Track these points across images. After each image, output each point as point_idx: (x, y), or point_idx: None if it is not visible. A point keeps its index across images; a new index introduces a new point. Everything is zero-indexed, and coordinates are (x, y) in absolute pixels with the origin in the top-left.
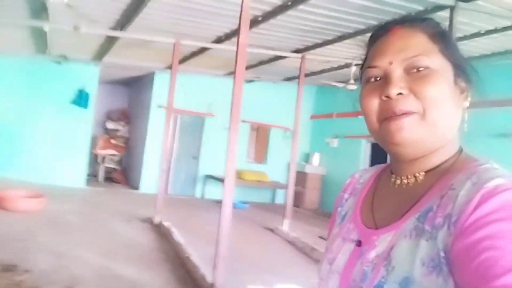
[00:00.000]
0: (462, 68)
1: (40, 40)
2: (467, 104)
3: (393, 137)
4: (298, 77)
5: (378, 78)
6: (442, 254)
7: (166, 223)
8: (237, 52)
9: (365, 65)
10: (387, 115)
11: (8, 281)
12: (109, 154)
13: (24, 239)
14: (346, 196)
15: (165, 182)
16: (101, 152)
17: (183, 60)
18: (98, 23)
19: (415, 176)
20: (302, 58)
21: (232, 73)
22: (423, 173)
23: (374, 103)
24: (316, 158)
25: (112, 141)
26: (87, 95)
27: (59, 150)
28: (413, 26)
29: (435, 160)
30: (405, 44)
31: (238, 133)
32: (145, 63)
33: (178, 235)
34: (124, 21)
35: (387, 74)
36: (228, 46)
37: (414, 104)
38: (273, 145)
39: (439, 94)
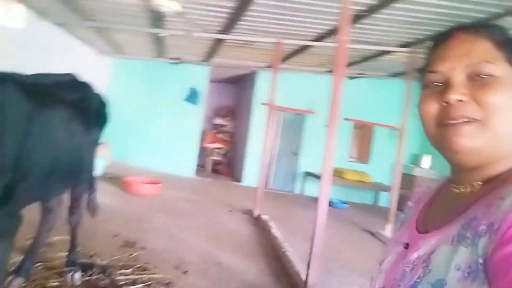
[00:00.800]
0: None
1: (159, 45)
2: None
3: (452, 144)
4: (405, 73)
5: (439, 84)
6: (480, 261)
7: (264, 217)
8: (337, 48)
9: (425, 70)
10: (446, 121)
11: (128, 255)
12: (216, 147)
13: (143, 220)
14: (410, 204)
15: (265, 177)
16: (209, 145)
17: (285, 59)
18: (207, 27)
19: (471, 185)
20: (411, 52)
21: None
22: (480, 183)
23: (432, 108)
24: (426, 161)
25: (219, 135)
26: (198, 93)
27: (174, 143)
28: (478, 32)
29: (493, 171)
30: (469, 49)
31: (336, 131)
32: (249, 62)
33: (275, 229)
34: (229, 25)
35: (448, 79)
36: (330, 43)
37: (475, 111)
38: (378, 145)
39: (502, 103)
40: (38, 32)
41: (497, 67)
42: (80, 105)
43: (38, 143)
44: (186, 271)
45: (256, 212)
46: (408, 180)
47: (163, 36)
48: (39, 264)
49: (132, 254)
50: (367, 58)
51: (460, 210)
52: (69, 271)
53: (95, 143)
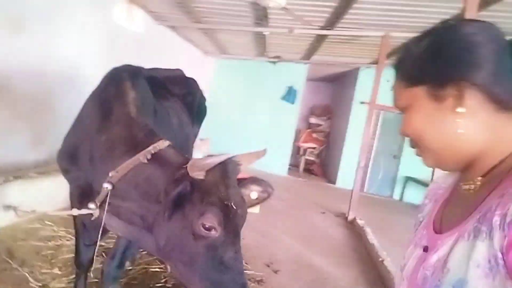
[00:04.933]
0: (434, 77)
1: (260, 44)
2: (460, 109)
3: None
4: None
5: None
6: (499, 255)
7: (360, 221)
8: None
9: None
10: None
11: None
12: (310, 147)
13: None
14: (426, 201)
15: (361, 179)
16: (303, 144)
17: (390, 54)
18: (310, 23)
19: (474, 182)
20: None
21: None
22: (480, 178)
23: None
24: None
25: (314, 135)
26: (295, 91)
27: (268, 140)
28: (396, 74)
29: (483, 165)
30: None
31: None
32: (351, 59)
33: (371, 236)
34: (333, 19)
35: None
36: None
37: (411, 140)
38: None
39: (415, 128)
40: (154, 34)
41: (402, 99)
42: (187, 99)
43: (161, 133)
44: (278, 271)
45: (350, 216)
46: None
47: (265, 35)
48: (140, 250)
49: None
50: None
51: (473, 205)
52: None
53: (196, 135)
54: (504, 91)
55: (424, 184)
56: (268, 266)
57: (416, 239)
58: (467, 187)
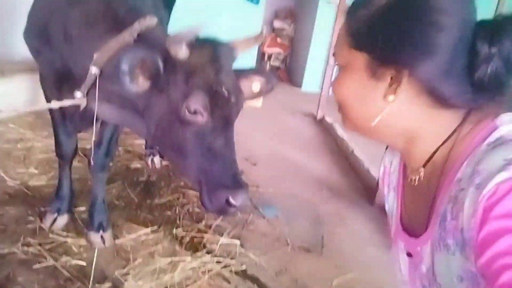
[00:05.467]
0: (376, 52)
1: None
2: (391, 98)
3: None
4: None
5: None
6: (473, 269)
7: (328, 119)
8: None
9: None
10: None
11: None
12: (275, 52)
13: None
14: (386, 191)
15: (330, 79)
16: (267, 50)
17: None
18: None
19: (418, 172)
20: None
21: None
22: (422, 169)
23: None
24: None
25: (278, 39)
26: None
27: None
28: (347, 13)
29: (418, 154)
30: (338, 36)
31: None
32: None
33: (341, 131)
34: None
35: None
36: None
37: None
38: None
39: (342, 93)
40: None
41: (341, 56)
42: None
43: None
44: (256, 163)
45: (319, 115)
46: None
47: None
48: (120, 147)
49: None
50: None
51: (427, 202)
52: (149, 154)
53: (167, 23)
54: (448, 89)
55: None
56: (247, 160)
57: (395, 239)
58: (413, 177)
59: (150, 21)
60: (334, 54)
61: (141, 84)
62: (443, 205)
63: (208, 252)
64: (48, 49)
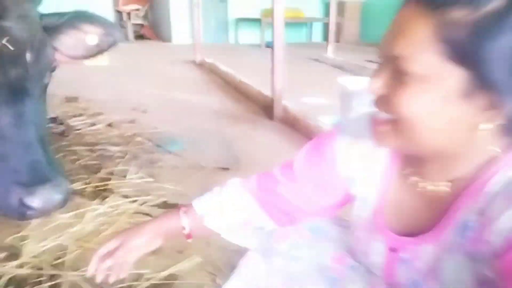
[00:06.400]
0: (488, 77)
1: None
2: (488, 126)
3: (374, 137)
4: None
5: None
6: (490, 274)
7: (208, 60)
8: None
9: None
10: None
11: (73, 109)
12: (133, 9)
13: (78, 80)
14: (359, 171)
15: (198, 28)
16: (124, 8)
17: None
18: None
19: (440, 184)
20: None
21: None
22: (449, 184)
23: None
24: None
25: None
26: None
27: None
28: (428, 8)
29: (450, 168)
30: (402, 34)
31: None
32: None
33: (224, 68)
34: None
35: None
36: None
37: (389, 109)
38: None
39: (417, 107)
40: None
41: (423, 64)
42: None
43: None
44: (145, 110)
45: (198, 59)
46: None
47: None
48: None
49: (77, 107)
50: None
51: (438, 209)
52: None
53: None
54: None
55: (255, 21)
56: (134, 109)
57: (366, 226)
58: (432, 188)
59: None
60: (389, 55)
61: None
62: (462, 215)
63: (118, 196)
64: None
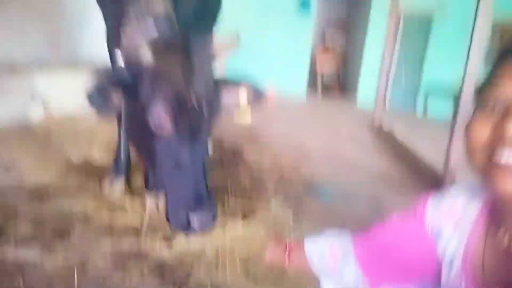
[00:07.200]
0: None
1: None
2: None
3: (499, 186)
4: None
5: (499, 108)
6: None
7: (387, 126)
8: None
9: (486, 86)
10: (498, 156)
11: (252, 143)
12: (327, 70)
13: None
14: (447, 226)
15: (383, 92)
16: (319, 69)
17: None
18: None
19: None
20: None
21: None
22: None
23: (485, 134)
24: None
25: (330, 54)
26: (309, 0)
27: (284, 58)
28: None
29: None
30: None
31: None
32: None
33: (400, 136)
34: None
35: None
36: None
37: None
38: None
39: None
40: None
41: None
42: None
43: None
44: (308, 157)
45: (376, 123)
46: None
47: None
48: None
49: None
50: None
51: None
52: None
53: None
54: None
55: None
56: (299, 152)
57: (456, 281)
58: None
59: (158, 8)
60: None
61: (116, 103)
62: None
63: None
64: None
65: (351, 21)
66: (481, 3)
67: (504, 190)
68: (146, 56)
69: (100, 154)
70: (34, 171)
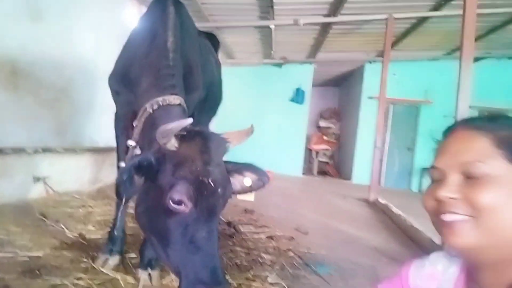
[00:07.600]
0: None
1: (266, 43)
2: None
3: (448, 242)
4: None
5: (439, 179)
6: None
7: (382, 201)
8: (464, 16)
9: (430, 165)
10: (440, 218)
11: (247, 219)
12: (322, 149)
13: (258, 197)
14: None
15: (378, 171)
16: (314, 147)
17: (395, 42)
18: (314, 12)
19: None
20: None
21: (454, 51)
22: None
23: (430, 202)
24: None
25: (325, 137)
26: (303, 92)
27: (281, 143)
28: (479, 129)
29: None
30: (465, 147)
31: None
32: (356, 54)
33: (396, 210)
34: (337, 5)
35: (443, 176)
36: (450, 11)
37: (466, 209)
38: None
39: (495, 202)
40: None
41: (491, 166)
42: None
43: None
44: (307, 233)
45: (372, 198)
46: None
47: (271, 29)
48: None
49: (251, 218)
50: (493, 30)
51: None
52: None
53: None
54: None
55: None
56: (297, 230)
57: None
58: None
59: (173, 100)
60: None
61: (137, 181)
62: None
63: None
64: (126, 91)
65: (343, 108)
66: (460, 91)
67: (454, 244)
68: (172, 144)
69: (95, 231)
70: (28, 246)
